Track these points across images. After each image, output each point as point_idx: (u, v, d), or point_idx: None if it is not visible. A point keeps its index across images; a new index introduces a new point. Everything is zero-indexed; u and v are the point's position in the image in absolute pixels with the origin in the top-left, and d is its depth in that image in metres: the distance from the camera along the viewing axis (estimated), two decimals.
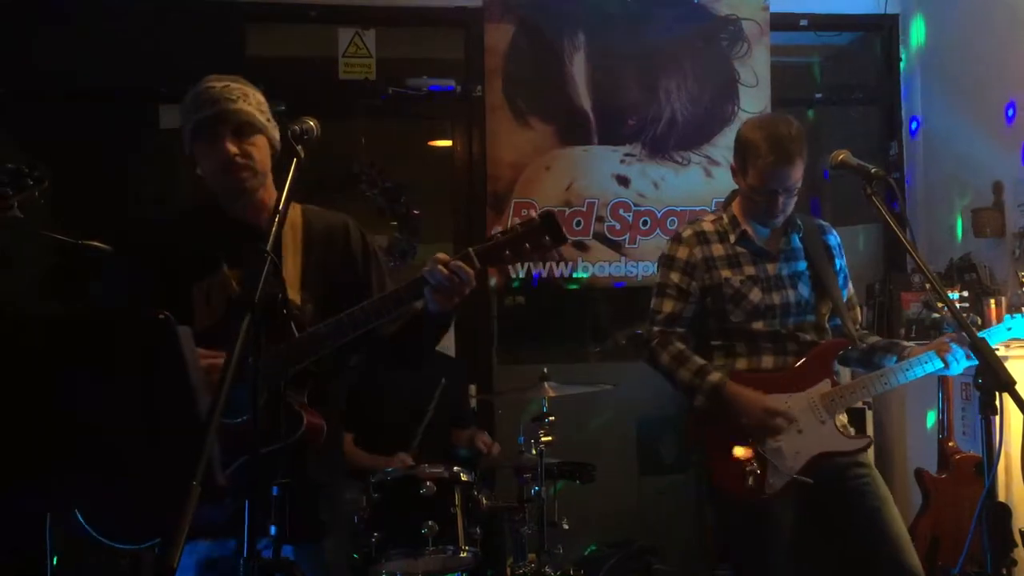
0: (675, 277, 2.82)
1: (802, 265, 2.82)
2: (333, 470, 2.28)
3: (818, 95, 5.02)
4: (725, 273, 2.78)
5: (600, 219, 4.61)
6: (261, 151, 2.13)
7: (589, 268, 4.62)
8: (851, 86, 5.11)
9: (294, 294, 2.10)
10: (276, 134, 2.18)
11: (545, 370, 3.66)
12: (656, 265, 3.00)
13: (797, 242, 2.84)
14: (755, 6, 4.72)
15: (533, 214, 2.02)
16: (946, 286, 3.72)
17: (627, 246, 4.64)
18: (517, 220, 2.04)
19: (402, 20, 4.68)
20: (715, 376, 2.70)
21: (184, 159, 2.17)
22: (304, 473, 2.08)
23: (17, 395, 1.59)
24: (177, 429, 1.67)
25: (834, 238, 2.93)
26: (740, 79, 4.71)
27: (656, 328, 2.81)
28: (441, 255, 1.99)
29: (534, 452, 3.56)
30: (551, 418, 3.62)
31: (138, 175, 4.61)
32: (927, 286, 3.56)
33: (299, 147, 1.87)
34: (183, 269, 2.11)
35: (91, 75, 4.38)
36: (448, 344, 4.23)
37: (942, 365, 2.65)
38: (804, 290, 2.80)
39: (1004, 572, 2.12)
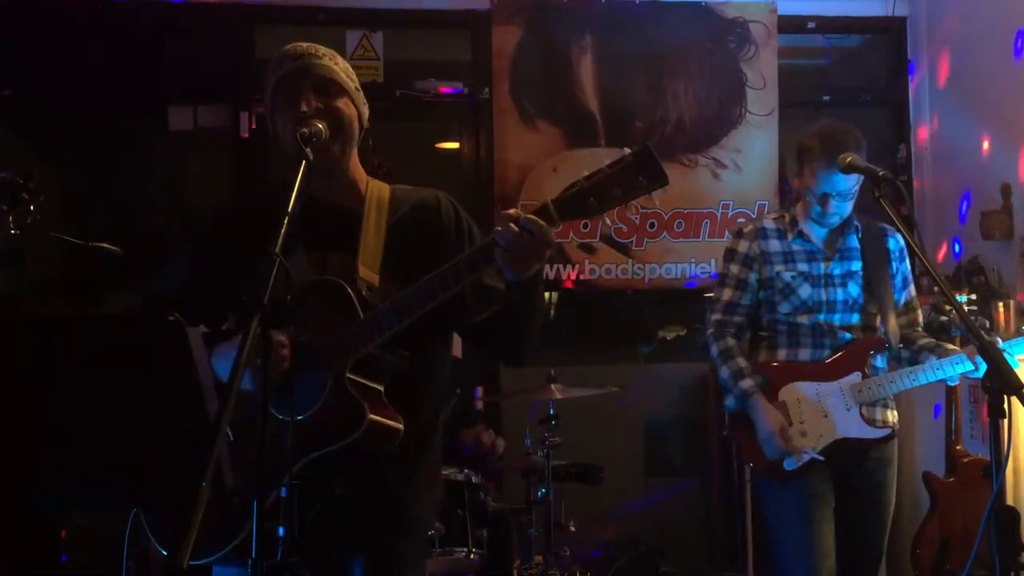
0: (735, 268, 3.00)
1: (856, 265, 2.95)
2: (418, 488, 2.03)
3: (826, 97, 5.01)
4: (778, 268, 2.95)
5: (607, 221, 4.60)
6: (348, 112, 1.96)
7: (596, 270, 4.62)
8: (859, 89, 5.09)
9: (372, 276, 1.94)
10: (366, 109, 2.03)
11: (552, 372, 3.66)
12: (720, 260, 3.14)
13: (854, 242, 2.97)
14: (763, 9, 4.72)
15: (626, 150, 1.69)
16: (954, 289, 3.71)
17: (634, 248, 4.63)
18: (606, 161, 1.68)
19: (410, 22, 4.69)
20: (747, 383, 2.86)
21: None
22: (379, 481, 1.94)
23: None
24: (187, 430, 1.67)
25: (895, 242, 3.00)
26: (747, 81, 4.70)
27: (715, 317, 2.99)
28: (512, 211, 1.74)
29: (541, 454, 3.57)
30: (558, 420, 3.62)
31: (148, 177, 4.62)
32: (935, 289, 3.55)
33: (308, 150, 1.79)
34: (258, 249, 1.67)
35: (100, 76, 4.39)
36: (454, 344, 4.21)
37: (972, 367, 2.73)
38: (854, 290, 2.93)
39: None
